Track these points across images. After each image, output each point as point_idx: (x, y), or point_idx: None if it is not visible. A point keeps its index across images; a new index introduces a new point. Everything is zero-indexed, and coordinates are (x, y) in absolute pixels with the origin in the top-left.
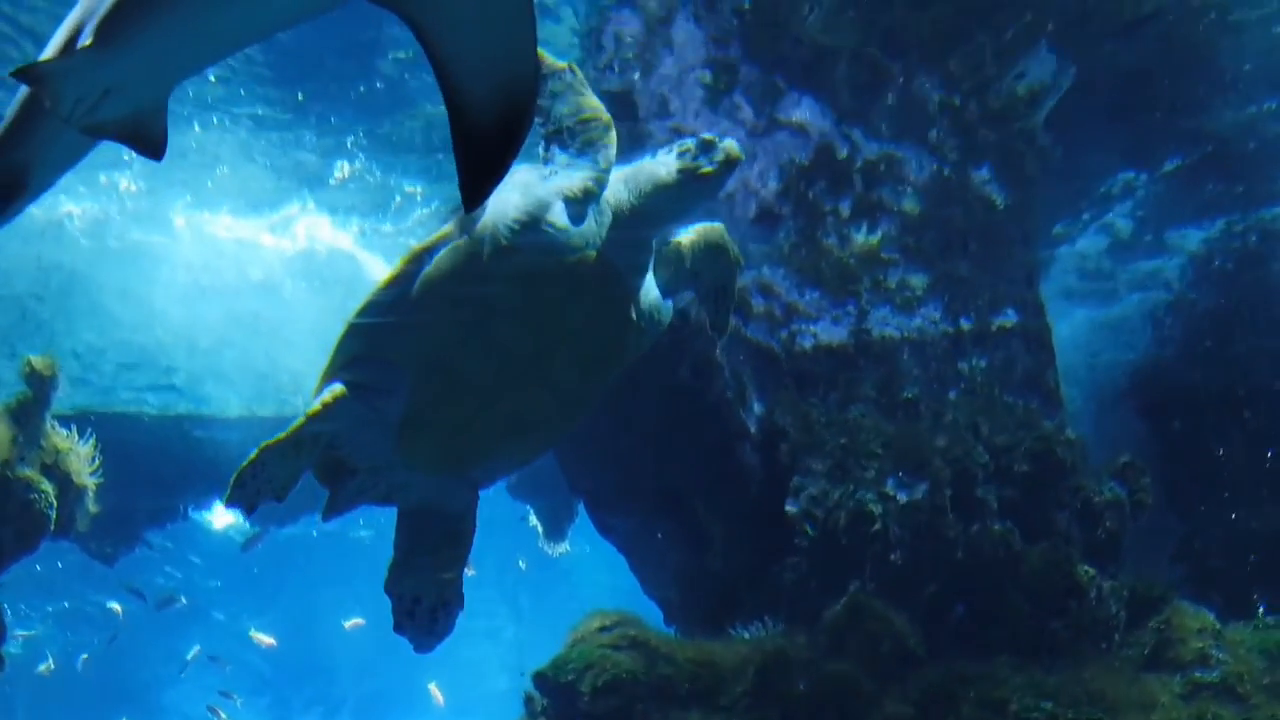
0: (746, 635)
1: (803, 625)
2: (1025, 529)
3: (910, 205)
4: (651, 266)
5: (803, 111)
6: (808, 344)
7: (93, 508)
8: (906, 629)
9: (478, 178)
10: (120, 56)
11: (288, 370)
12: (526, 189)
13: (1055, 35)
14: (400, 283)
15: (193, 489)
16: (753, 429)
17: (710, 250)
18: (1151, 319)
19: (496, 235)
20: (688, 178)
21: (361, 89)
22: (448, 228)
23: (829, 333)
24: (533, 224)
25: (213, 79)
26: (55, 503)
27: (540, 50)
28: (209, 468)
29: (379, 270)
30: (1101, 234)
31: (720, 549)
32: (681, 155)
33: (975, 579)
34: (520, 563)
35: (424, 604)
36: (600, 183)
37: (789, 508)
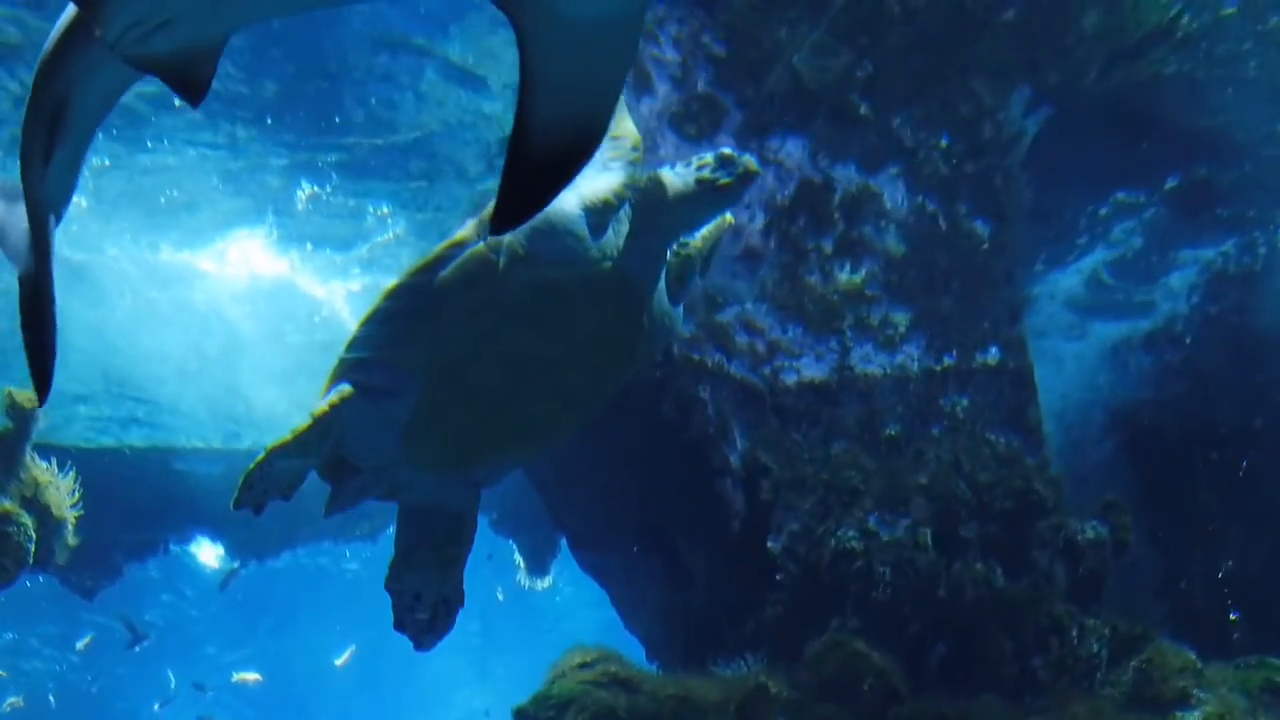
0: (728, 672)
1: (785, 662)
2: (1007, 567)
3: (893, 242)
4: (663, 274)
5: (786, 149)
6: (791, 380)
7: (72, 540)
8: (888, 666)
9: (519, 203)
10: None
11: (244, 399)
12: None
13: (1034, 78)
14: (414, 287)
15: (171, 522)
16: (735, 465)
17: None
18: (1133, 357)
19: (514, 243)
20: (706, 190)
21: (337, 119)
22: (464, 232)
23: (812, 369)
24: (552, 233)
25: (177, 103)
26: (35, 535)
27: None
28: (187, 501)
29: (333, 299)
30: (1077, 276)
31: (702, 585)
32: (700, 169)
33: (957, 617)
34: (498, 593)
35: (425, 601)
36: (622, 198)
37: (771, 544)
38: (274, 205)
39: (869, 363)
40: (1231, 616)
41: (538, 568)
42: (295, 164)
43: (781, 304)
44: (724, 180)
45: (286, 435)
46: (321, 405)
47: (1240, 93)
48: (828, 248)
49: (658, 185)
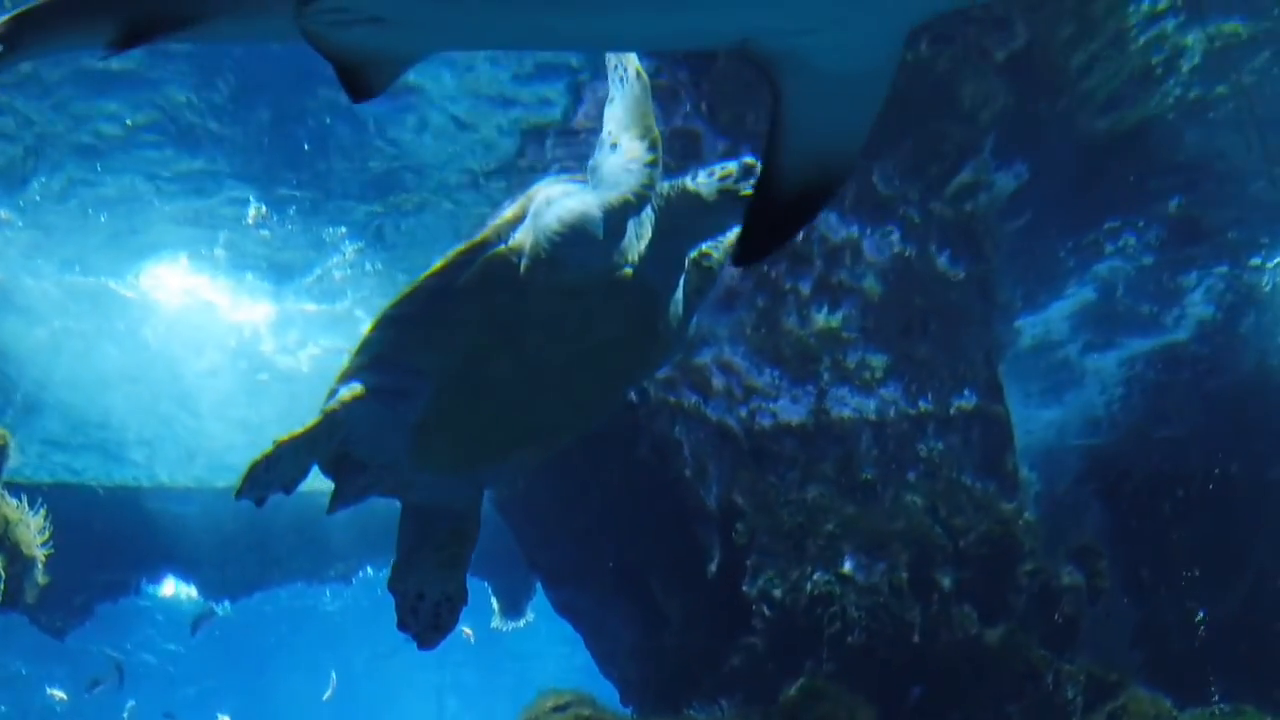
0: (703, 716)
1: (760, 706)
2: (983, 612)
3: (871, 285)
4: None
5: None
6: (767, 423)
7: (42, 579)
8: (863, 711)
9: (763, 240)
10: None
11: (197, 432)
12: (570, 200)
13: (1007, 136)
14: (431, 289)
15: (144, 563)
16: (711, 508)
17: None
18: (1107, 404)
19: (537, 246)
20: (727, 199)
21: (306, 147)
22: (484, 234)
23: (789, 412)
24: (576, 237)
25: (129, 123)
26: (4, 574)
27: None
28: (160, 541)
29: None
30: (1061, 320)
31: (677, 628)
32: (724, 179)
33: (933, 662)
34: (465, 631)
35: (427, 600)
36: (643, 200)
37: (746, 588)
38: (226, 233)
39: (845, 406)
40: (1205, 662)
41: (512, 610)
42: (248, 191)
43: (759, 346)
44: (747, 191)
45: (296, 431)
46: (332, 403)
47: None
48: (805, 290)
49: (680, 193)
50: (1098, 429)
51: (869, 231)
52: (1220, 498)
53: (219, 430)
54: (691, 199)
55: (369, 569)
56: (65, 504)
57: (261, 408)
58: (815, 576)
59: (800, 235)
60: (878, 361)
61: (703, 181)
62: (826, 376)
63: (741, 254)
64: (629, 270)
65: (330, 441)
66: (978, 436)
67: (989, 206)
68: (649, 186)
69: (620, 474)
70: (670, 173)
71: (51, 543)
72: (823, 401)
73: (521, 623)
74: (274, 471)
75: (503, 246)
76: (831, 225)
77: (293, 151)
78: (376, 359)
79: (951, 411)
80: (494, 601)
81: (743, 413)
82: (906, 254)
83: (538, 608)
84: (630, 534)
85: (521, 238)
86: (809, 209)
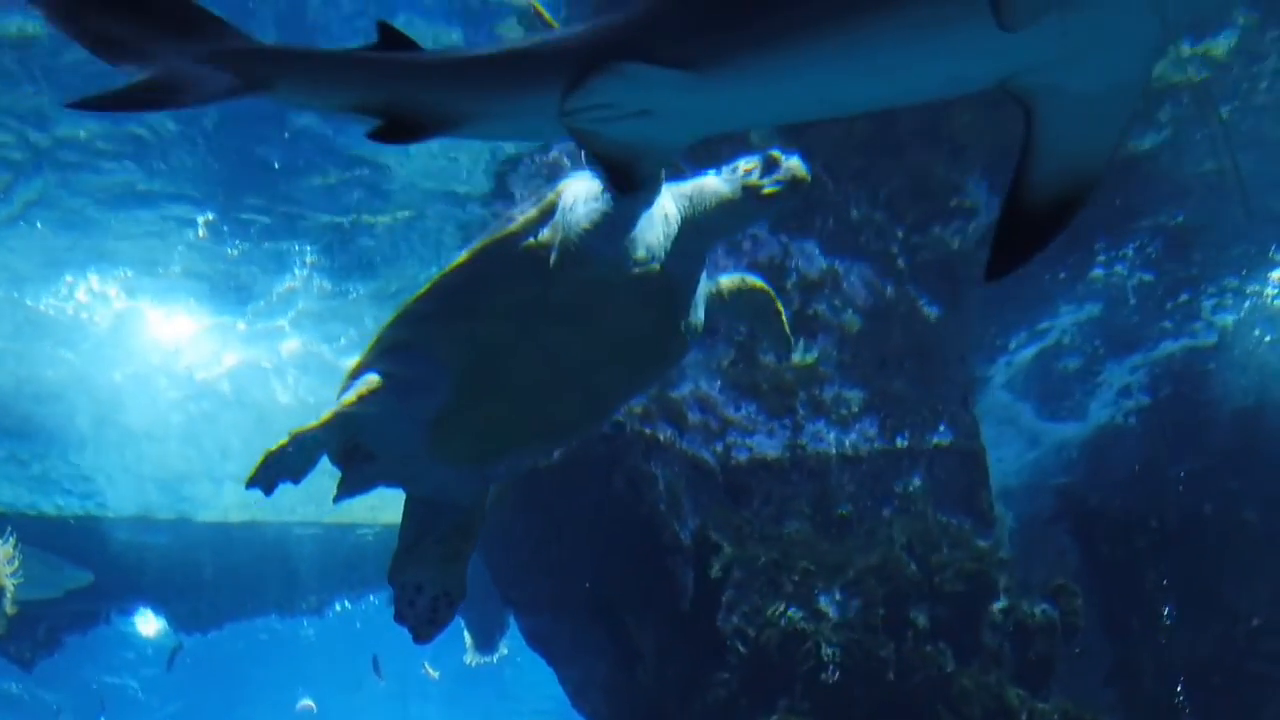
0: None
1: None
2: (957, 649)
3: (848, 321)
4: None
5: None
6: (743, 457)
7: (10, 609)
8: None
9: (1013, 253)
10: (707, 88)
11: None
12: (599, 195)
13: (986, 168)
14: (456, 279)
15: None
16: (686, 542)
17: (749, 297)
18: (1083, 443)
19: (569, 240)
20: (750, 195)
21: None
22: (512, 227)
23: (764, 446)
24: (609, 232)
25: (77, 135)
26: None
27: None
28: (130, 572)
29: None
30: (1031, 356)
31: (651, 663)
32: (747, 174)
33: (907, 699)
34: (427, 669)
35: (426, 593)
36: (667, 199)
37: (720, 623)
38: (171, 251)
39: (821, 441)
40: (1179, 701)
41: (485, 645)
42: (194, 210)
43: (735, 380)
44: (769, 189)
45: (312, 422)
46: (348, 395)
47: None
48: None
49: (703, 191)
50: (1073, 467)
51: (848, 266)
52: (1195, 537)
53: (168, 457)
54: (715, 195)
55: (346, 603)
56: (33, 533)
57: (212, 432)
58: (790, 613)
59: (777, 267)
60: (854, 397)
61: (726, 178)
62: (803, 411)
63: (993, 268)
64: (656, 266)
65: (345, 433)
66: (953, 473)
67: (973, 243)
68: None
69: (595, 507)
70: (696, 167)
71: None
72: (799, 436)
73: (494, 657)
74: (285, 461)
75: (531, 240)
76: (810, 259)
77: (243, 169)
78: (395, 350)
79: (927, 448)
80: (467, 636)
81: (719, 447)
82: (885, 289)
83: (511, 642)
84: (604, 567)
85: (551, 232)
86: (1060, 221)
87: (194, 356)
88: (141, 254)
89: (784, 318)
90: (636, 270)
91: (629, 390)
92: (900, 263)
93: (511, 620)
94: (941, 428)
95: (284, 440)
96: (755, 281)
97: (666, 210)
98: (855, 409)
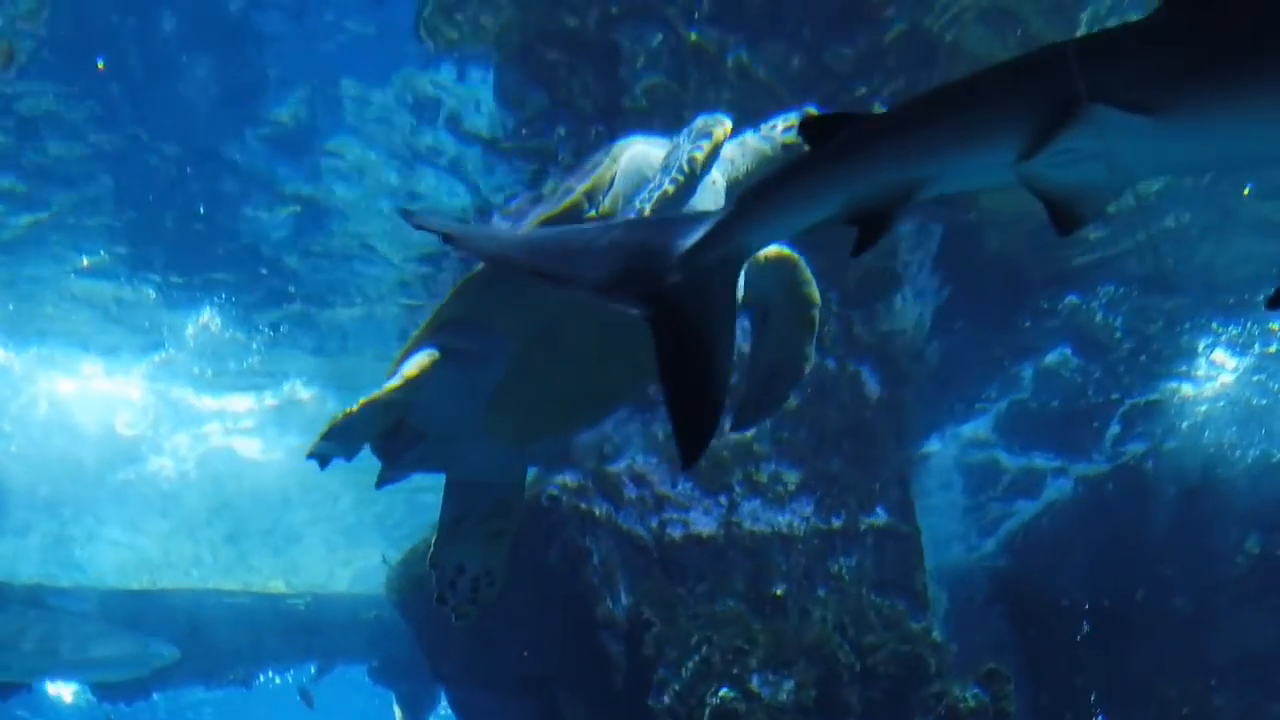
0: None
1: None
2: None
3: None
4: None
5: None
6: (678, 534)
7: None
8: None
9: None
10: (1164, 133)
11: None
12: (655, 162)
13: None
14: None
15: None
16: (619, 618)
17: (781, 266)
18: (1018, 530)
19: (629, 210)
20: (792, 153)
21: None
22: (574, 198)
23: (700, 523)
24: (668, 203)
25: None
26: None
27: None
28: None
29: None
30: (971, 438)
31: None
32: (786, 130)
33: None
34: None
35: (467, 573)
36: (712, 167)
37: (652, 701)
38: (123, 317)
39: (757, 520)
40: None
41: (415, 718)
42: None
43: (672, 456)
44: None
45: (376, 393)
46: (408, 368)
47: None
48: None
49: (744, 151)
50: (1008, 550)
51: None
52: (1124, 625)
53: (103, 529)
54: (755, 154)
55: (270, 673)
56: None
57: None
58: (722, 692)
59: None
60: (790, 476)
61: (765, 134)
62: (739, 489)
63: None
64: None
65: (401, 408)
66: (888, 554)
67: (912, 329)
68: (717, 153)
69: (529, 581)
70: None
71: None
72: (734, 514)
73: None
74: (350, 430)
75: (594, 211)
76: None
77: (183, 235)
78: (455, 322)
79: (862, 528)
80: (396, 709)
81: (654, 523)
82: (826, 367)
83: (441, 715)
84: (537, 641)
85: (613, 202)
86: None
87: (126, 421)
88: (97, 323)
89: (814, 287)
90: None
91: None
92: (842, 341)
93: (442, 694)
94: (878, 510)
95: (352, 408)
96: (789, 252)
97: (714, 176)
98: (791, 487)
